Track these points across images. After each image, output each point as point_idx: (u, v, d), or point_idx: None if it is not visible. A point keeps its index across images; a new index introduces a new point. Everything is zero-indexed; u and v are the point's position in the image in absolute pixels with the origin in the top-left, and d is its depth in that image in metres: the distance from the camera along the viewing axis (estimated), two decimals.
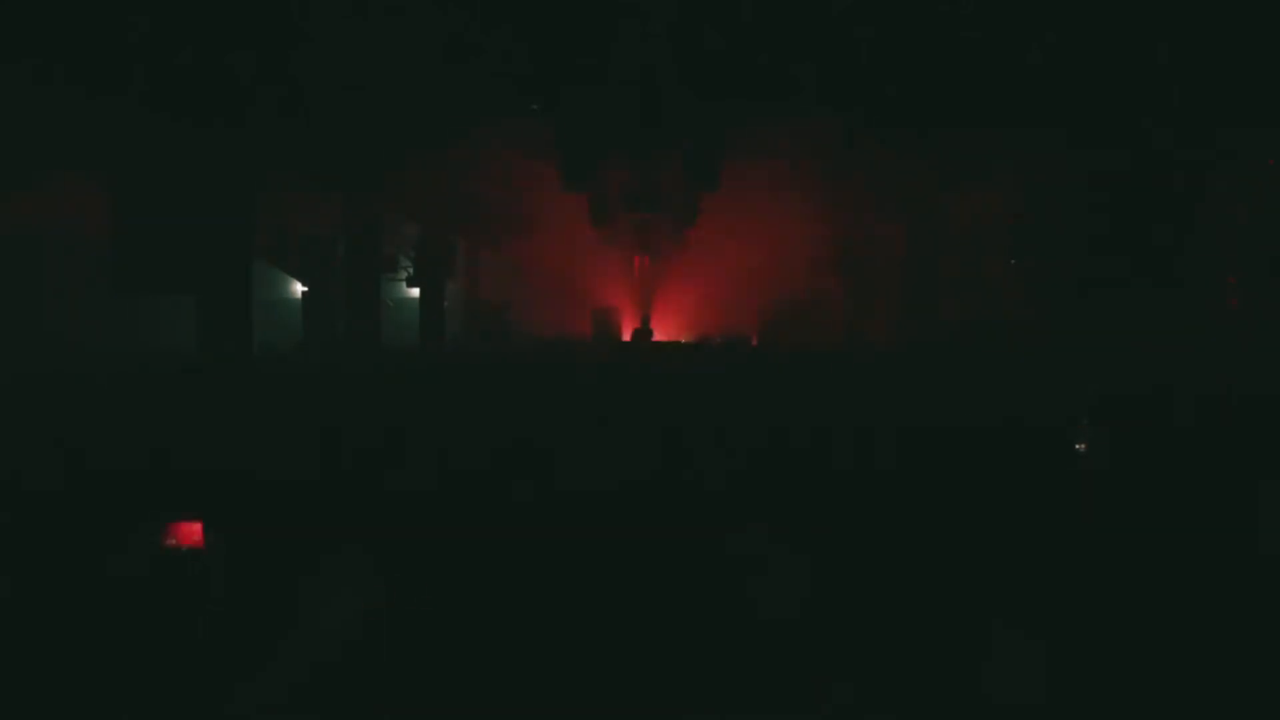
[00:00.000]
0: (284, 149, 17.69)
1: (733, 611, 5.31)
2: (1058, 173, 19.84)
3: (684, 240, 26.27)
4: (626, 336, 28.24)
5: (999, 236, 24.99)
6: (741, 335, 26.93)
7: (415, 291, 26.50)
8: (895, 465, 8.44)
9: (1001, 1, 12.59)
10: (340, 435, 9.86)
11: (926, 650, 4.72)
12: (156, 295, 19.87)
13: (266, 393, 14.11)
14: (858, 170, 20.96)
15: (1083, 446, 8.85)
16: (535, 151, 19.55)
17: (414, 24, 12.76)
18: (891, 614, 5.18)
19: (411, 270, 25.69)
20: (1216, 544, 6.26)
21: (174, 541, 5.27)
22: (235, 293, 16.17)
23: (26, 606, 5.17)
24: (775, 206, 24.29)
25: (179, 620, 4.90)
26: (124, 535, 5.80)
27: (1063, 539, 6.37)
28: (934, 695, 4.38)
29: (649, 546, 6.31)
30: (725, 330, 27.41)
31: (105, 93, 13.56)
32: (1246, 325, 21.90)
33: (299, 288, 26.79)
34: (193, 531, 5.36)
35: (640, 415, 11.32)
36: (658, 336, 28.03)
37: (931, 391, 13.27)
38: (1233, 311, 22.87)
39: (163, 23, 11.98)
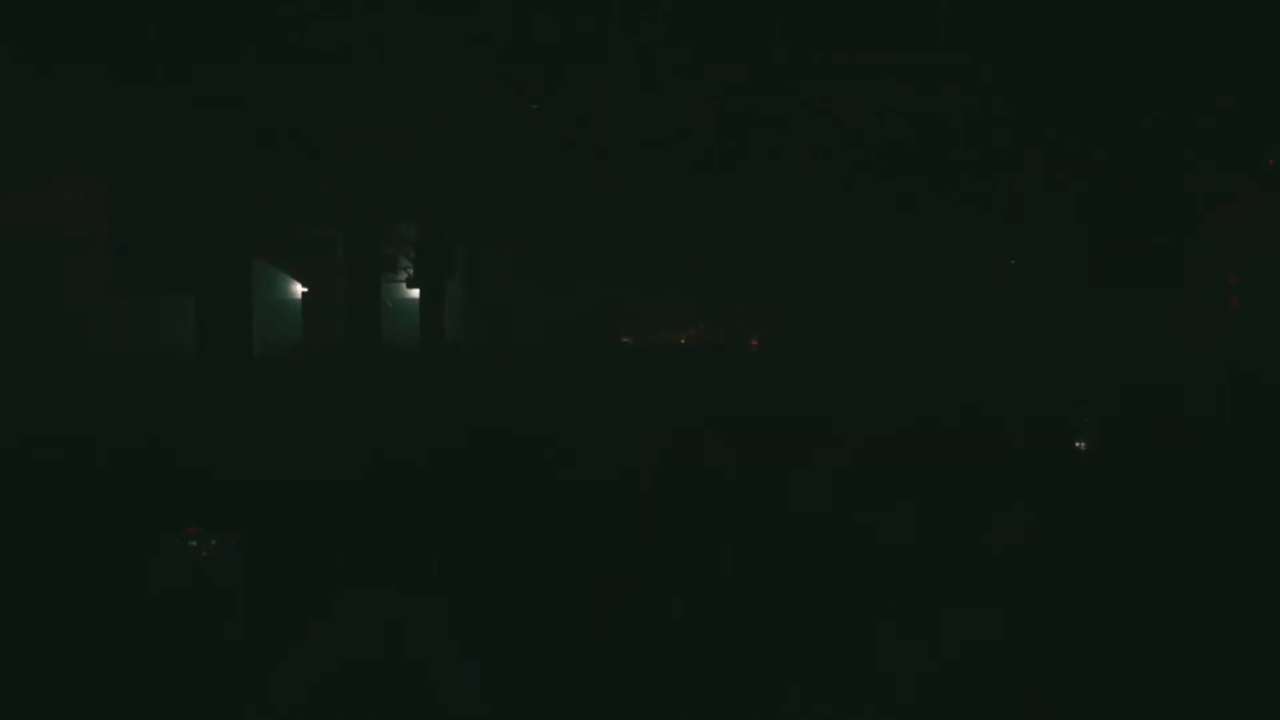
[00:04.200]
0: (284, 148, 17.69)
1: (728, 605, 5.31)
2: (1057, 173, 19.86)
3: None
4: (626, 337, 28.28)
5: (999, 236, 25.03)
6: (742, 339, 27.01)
7: (415, 291, 26.50)
8: (897, 461, 8.44)
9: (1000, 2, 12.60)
10: (342, 436, 9.87)
11: (918, 649, 4.72)
12: (156, 295, 19.86)
13: (267, 393, 14.11)
14: (855, 172, 20.98)
15: (1084, 444, 8.85)
16: (534, 150, 19.54)
17: (414, 23, 12.76)
18: (884, 613, 5.18)
19: (411, 270, 25.69)
20: (1216, 544, 6.26)
21: (180, 546, 5.26)
22: (235, 293, 16.15)
23: (31, 612, 5.16)
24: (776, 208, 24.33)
25: (188, 626, 4.88)
26: (129, 540, 5.79)
27: (1061, 537, 6.37)
28: (925, 695, 4.38)
29: (656, 542, 6.32)
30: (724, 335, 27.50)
31: (105, 92, 13.56)
32: (1246, 325, 21.92)
33: (299, 288, 26.83)
34: (199, 536, 5.35)
35: (642, 411, 11.33)
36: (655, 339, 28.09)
37: (934, 389, 13.27)
38: (1233, 311, 22.89)
39: (162, 20, 11.98)
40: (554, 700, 4.41)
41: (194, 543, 5.17)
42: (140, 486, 7.40)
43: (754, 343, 26.97)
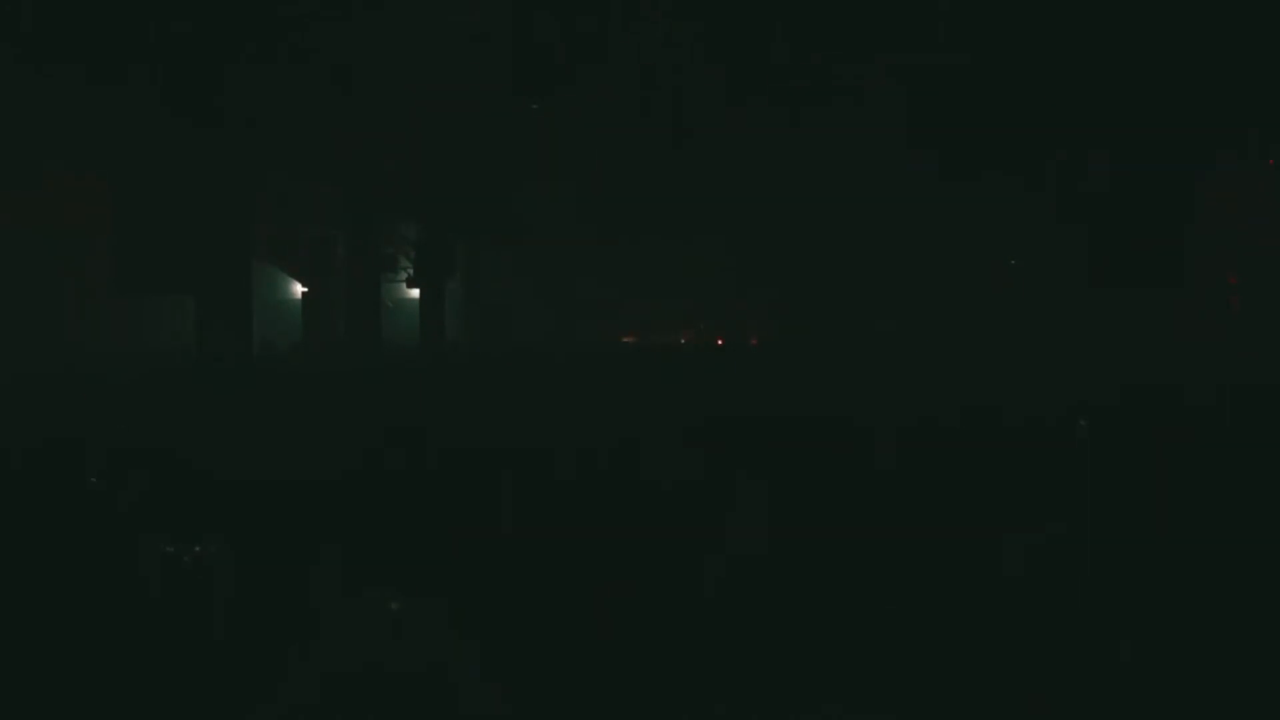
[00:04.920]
0: (284, 148, 17.69)
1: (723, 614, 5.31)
2: (1057, 173, 19.86)
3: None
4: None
5: (1000, 236, 25.01)
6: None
7: (415, 291, 26.51)
8: (893, 463, 8.43)
9: (1002, 3, 12.61)
10: (342, 436, 9.86)
11: (919, 653, 4.71)
12: (156, 295, 19.86)
13: (267, 393, 14.11)
14: (859, 169, 20.97)
15: (1083, 445, 8.84)
16: (534, 150, 19.56)
17: (414, 23, 12.77)
18: (883, 616, 5.17)
19: (411, 270, 25.70)
20: (1216, 544, 6.26)
21: (177, 549, 5.25)
22: (235, 293, 16.15)
23: (26, 616, 5.14)
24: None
25: (185, 632, 4.87)
26: (126, 542, 5.78)
27: (1062, 539, 6.36)
28: (927, 698, 4.37)
29: (655, 543, 6.31)
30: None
31: (105, 92, 13.56)
32: (1246, 325, 21.91)
33: (299, 288, 26.84)
34: (197, 538, 5.34)
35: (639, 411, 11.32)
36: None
37: (932, 389, 13.26)
38: (1233, 311, 22.89)
39: (162, 20, 11.98)
40: (555, 699, 4.41)
41: (189, 544, 5.16)
42: (136, 487, 7.39)
43: (754, 342, 26.98)
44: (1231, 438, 9.57)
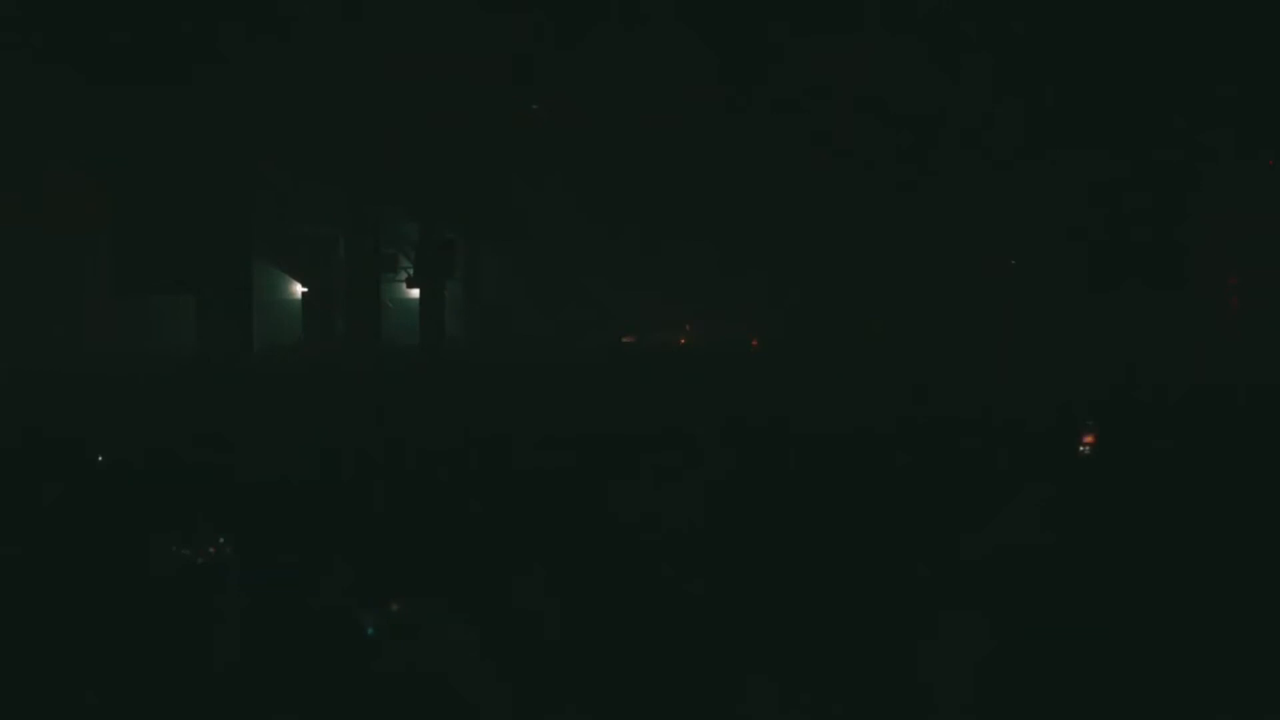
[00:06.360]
0: (284, 148, 17.69)
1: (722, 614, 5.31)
2: (1057, 174, 19.85)
3: None
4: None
5: (1000, 236, 25.00)
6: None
7: (415, 291, 26.50)
8: (892, 465, 8.42)
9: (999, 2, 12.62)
10: (342, 436, 9.86)
11: (911, 654, 4.71)
12: (156, 295, 19.85)
13: (267, 393, 14.11)
14: (856, 166, 20.96)
15: (1085, 448, 8.83)
16: (536, 149, 19.57)
17: (414, 23, 12.78)
18: (880, 617, 5.18)
19: (411, 270, 25.70)
20: (1216, 545, 6.26)
21: (175, 550, 5.25)
22: (235, 293, 16.16)
23: (26, 620, 5.13)
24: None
25: (184, 636, 4.86)
26: (123, 544, 5.77)
27: (1064, 540, 6.36)
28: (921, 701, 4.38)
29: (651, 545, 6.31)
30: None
31: (105, 91, 13.57)
32: (1246, 325, 21.91)
33: (299, 288, 26.82)
34: (195, 539, 5.34)
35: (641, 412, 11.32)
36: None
37: (932, 390, 13.26)
38: (1233, 311, 22.87)
39: (163, 19, 11.99)
40: (555, 699, 4.41)
41: (188, 546, 5.15)
42: (135, 487, 7.38)
43: (754, 342, 26.95)
44: (1231, 438, 9.56)
